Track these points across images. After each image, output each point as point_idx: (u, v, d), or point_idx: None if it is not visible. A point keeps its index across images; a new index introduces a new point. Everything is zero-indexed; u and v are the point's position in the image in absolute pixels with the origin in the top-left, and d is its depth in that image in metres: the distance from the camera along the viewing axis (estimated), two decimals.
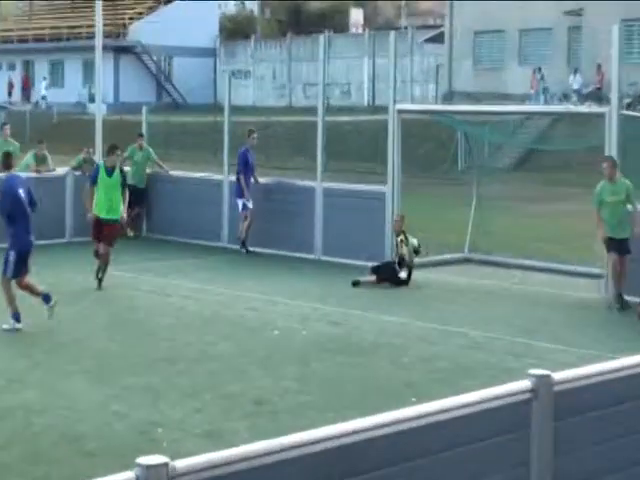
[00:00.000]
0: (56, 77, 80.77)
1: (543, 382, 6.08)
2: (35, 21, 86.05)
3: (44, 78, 78.69)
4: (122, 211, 19.16)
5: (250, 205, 22.62)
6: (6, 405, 11.82)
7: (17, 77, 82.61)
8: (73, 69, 78.24)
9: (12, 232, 15.50)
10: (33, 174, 24.09)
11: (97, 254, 18.87)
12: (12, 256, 15.40)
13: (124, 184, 19.41)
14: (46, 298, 15.66)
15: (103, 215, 18.79)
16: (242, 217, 22.66)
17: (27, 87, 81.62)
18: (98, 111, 29.13)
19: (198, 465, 5.04)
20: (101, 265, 18.72)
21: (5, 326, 15.37)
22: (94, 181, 19.04)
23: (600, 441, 6.58)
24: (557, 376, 6.20)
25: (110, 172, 18.97)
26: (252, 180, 22.97)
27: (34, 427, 11.06)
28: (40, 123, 60.07)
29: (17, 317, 15.34)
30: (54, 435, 10.76)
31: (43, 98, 75.00)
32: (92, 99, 58.54)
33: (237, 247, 22.84)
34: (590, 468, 6.54)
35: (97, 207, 18.87)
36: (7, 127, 27.68)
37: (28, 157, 25.56)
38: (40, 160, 25.37)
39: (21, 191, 15.57)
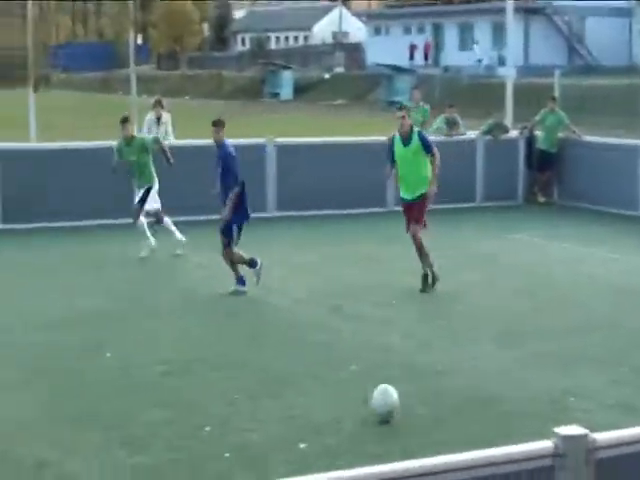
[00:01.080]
0: (465, 40, 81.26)
1: None
2: None
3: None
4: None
5: None
6: (418, 364, 12.22)
7: (421, 41, 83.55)
8: (482, 32, 78.33)
9: (239, 201, 15.57)
10: (443, 137, 24.54)
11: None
12: (235, 230, 15.58)
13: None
14: (253, 263, 15.73)
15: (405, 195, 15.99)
16: None
17: (428, 51, 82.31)
18: (509, 74, 29.26)
19: (620, 439, 5.05)
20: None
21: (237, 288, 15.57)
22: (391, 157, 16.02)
23: None
24: None
25: (406, 141, 15.69)
26: None
27: (441, 387, 11.31)
28: (450, 86, 60.59)
29: (243, 281, 15.56)
30: (460, 396, 10.94)
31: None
32: (502, 62, 58.50)
33: None
34: None
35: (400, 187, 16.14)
36: (417, 91, 28.31)
37: (439, 120, 25.93)
38: (451, 123, 25.69)
39: None
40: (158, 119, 22.96)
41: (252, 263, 15.67)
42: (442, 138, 24.90)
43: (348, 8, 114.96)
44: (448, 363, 12.21)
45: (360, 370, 11.89)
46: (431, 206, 16.04)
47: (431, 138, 23.66)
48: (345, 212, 22.59)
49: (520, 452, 4.77)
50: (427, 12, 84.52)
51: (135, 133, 19.18)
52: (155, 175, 18.68)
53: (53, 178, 21.30)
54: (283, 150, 23.17)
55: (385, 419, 9.91)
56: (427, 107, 27.06)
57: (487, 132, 25.74)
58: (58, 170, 21.44)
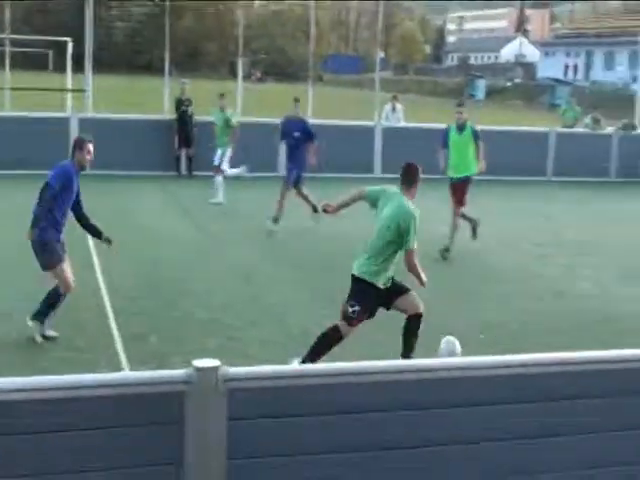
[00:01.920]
0: (609, 62, 78.14)
1: None
2: (597, 22, 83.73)
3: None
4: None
5: None
6: (564, 289, 11.86)
7: (574, 62, 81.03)
8: (621, 57, 75.16)
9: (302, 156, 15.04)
10: (590, 131, 23.93)
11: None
12: (295, 173, 14.96)
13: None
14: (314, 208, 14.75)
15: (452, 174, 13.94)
16: None
17: (576, 70, 79.31)
18: (639, 88, 28.06)
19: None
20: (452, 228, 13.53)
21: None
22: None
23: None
24: None
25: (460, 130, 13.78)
26: None
27: (579, 307, 10.97)
28: (595, 96, 58.54)
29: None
30: (597, 314, 10.57)
31: (620, 78, 71.62)
32: (634, 80, 55.98)
33: None
34: None
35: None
36: (573, 98, 27.57)
37: (587, 119, 25.26)
38: (595, 121, 24.91)
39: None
40: (393, 108, 23.18)
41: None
42: (589, 131, 24.22)
43: (526, 37, 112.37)
44: (589, 289, 11.90)
45: (520, 290, 11.72)
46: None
47: (579, 130, 23.13)
48: (515, 178, 22.06)
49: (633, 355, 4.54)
50: (582, 42, 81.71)
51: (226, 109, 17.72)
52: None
53: None
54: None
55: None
56: (579, 109, 26.29)
57: (621, 129, 24.83)
58: None
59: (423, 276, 7.78)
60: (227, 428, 3.67)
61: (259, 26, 79.23)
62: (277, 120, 16.71)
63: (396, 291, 7.76)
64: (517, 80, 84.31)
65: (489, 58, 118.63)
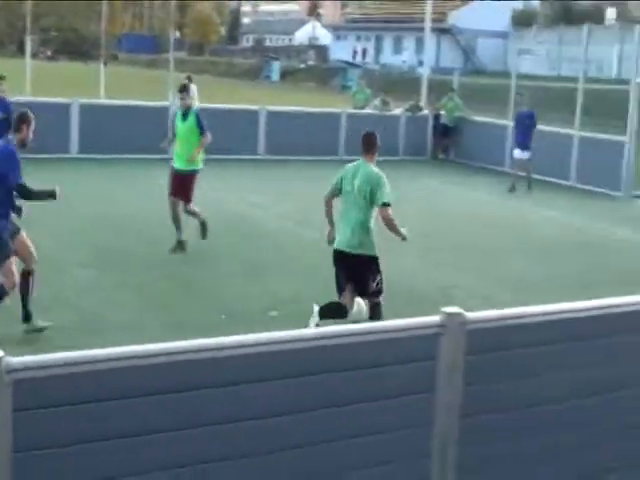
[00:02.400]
0: (397, 47, 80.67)
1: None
2: (385, 8, 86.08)
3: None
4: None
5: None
6: None
7: (364, 45, 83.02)
8: (409, 42, 77.82)
9: None
10: (379, 112, 24.61)
11: None
12: None
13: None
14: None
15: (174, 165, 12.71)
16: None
17: (365, 54, 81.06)
18: (424, 72, 29.12)
19: (484, 317, 5.03)
20: None
21: None
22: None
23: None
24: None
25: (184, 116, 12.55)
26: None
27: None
28: (384, 79, 60.23)
29: None
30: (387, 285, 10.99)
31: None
32: (420, 63, 58.09)
33: None
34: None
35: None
36: (362, 80, 28.40)
37: (376, 101, 25.95)
38: (384, 103, 25.67)
39: None
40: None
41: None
42: (378, 113, 24.86)
43: (319, 21, 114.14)
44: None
45: (311, 262, 11.94)
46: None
47: (368, 112, 23.72)
48: (309, 158, 22.39)
49: (411, 323, 4.73)
50: (372, 27, 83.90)
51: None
52: None
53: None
54: (271, 114, 23.04)
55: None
56: (369, 91, 26.97)
57: (408, 110, 25.71)
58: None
59: (403, 231, 8.48)
60: (12, 420, 3.54)
61: (48, 4, 76.22)
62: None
63: None
64: (310, 62, 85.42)
65: (284, 40, 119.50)
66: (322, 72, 74.13)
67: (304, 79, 72.23)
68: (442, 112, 25.28)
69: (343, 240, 8.50)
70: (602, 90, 33.71)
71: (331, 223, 8.86)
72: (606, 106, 27.95)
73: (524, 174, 19.88)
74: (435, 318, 4.74)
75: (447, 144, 25.26)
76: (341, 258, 8.54)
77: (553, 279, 12.07)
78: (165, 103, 22.21)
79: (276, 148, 22.22)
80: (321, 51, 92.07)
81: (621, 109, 20.75)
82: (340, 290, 8.58)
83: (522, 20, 77.80)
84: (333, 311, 8.43)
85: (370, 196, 8.40)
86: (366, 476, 4.56)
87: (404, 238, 8.57)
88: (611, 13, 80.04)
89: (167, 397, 3.90)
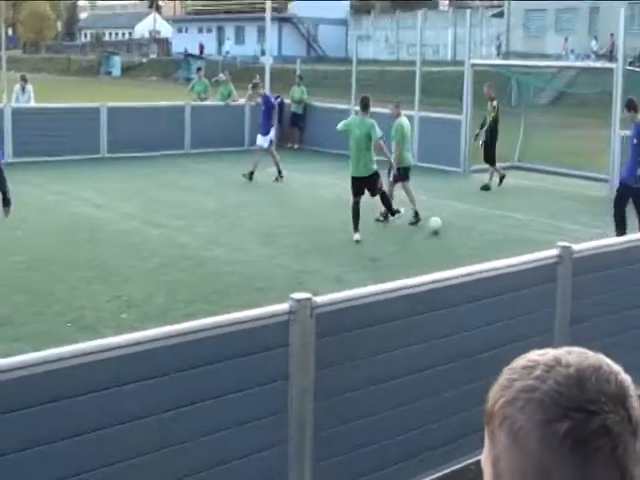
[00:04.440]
0: (240, 37, 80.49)
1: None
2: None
3: (228, 39, 78.54)
4: None
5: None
6: (203, 257, 12.11)
7: (209, 38, 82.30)
8: (251, 32, 77.77)
9: None
10: (224, 103, 24.49)
11: None
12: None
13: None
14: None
15: None
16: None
17: (202, 50, 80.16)
18: (267, 61, 29.10)
19: (331, 300, 5.12)
20: None
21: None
22: None
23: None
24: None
25: None
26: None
27: (222, 272, 11.29)
28: (228, 69, 59.96)
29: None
30: (234, 278, 10.96)
31: (227, 52, 74.38)
32: (263, 53, 58.14)
33: None
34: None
35: None
36: (201, 71, 28.05)
37: (221, 89, 25.74)
38: (229, 92, 25.47)
39: None
40: (23, 89, 22.22)
41: None
42: (223, 103, 24.68)
43: (160, 14, 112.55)
44: (225, 257, 12.20)
45: (164, 261, 11.76)
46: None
47: (211, 103, 23.47)
48: (155, 153, 21.99)
49: (261, 312, 4.74)
50: (213, 18, 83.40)
51: None
52: None
53: None
54: (112, 111, 22.49)
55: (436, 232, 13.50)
56: (206, 81, 26.77)
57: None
58: None
59: (386, 150, 13.86)
60: None
61: None
62: None
63: None
64: (153, 56, 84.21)
65: (124, 35, 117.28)
66: (165, 65, 73.24)
67: (147, 73, 71.16)
68: (289, 100, 25.29)
69: (356, 170, 13.36)
70: (439, 72, 34.95)
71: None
72: (443, 87, 28.76)
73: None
74: (284, 305, 4.73)
75: (296, 132, 25.26)
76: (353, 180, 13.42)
77: (402, 255, 12.30)
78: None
79: (119, 145, 21.68)
80: (163, 44, 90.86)
81: (457, 89, 21.35)
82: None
83: (361, 7, 79.16)
84: (355, 213, 13.15)
85: (368, 138, 13.11)
86: (225, 470, 4.51)
87: (391, 160, 14.22)
88: None
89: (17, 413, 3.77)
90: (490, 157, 18.88)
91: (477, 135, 19.37)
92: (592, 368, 1.18)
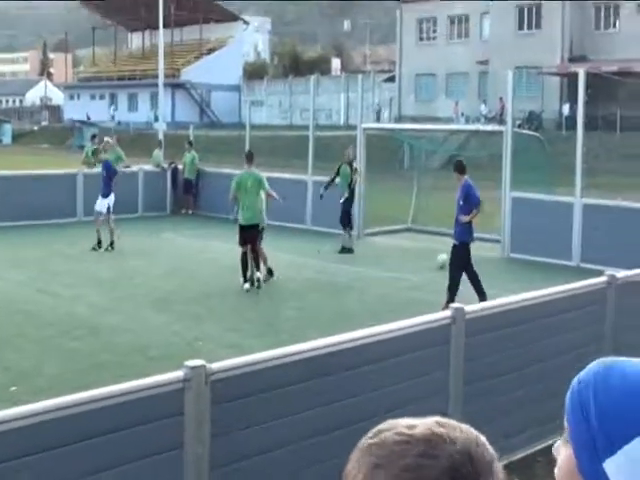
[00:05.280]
0: (133, 104, 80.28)
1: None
2: (118, 66, 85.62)
3: (114, 109, 78.03)
4: None
5: None
6: (97, 325, 11.90)
7: (101, 105, 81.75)
8: (144, 99, 77.71)
9: None
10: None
11: None
12: None
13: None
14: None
15: None
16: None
17: (89, 118, 79.39)
18: (160, 128, 29.12)
19: (227, 366, 5.09)
20: None
21: None
22: None
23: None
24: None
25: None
26: None
27: (117, 341, 11.11)
28: (121, 135, 59.67)
29: None
30: (129, 347, 10.80)
31: (118, 123, 73.73)
32: (156, 119, 58.10)
33: None
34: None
35: None
36: (96, 138, 27.71)
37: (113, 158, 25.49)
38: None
39: None
40: None
41: None
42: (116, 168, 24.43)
43: (51, 80, 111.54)
44: (119, 324, 11.99)
45: (58, 330, 11.50)
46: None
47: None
48: (47, 222, 21.57)
49: (155, 381, 4.69)
50: (106, 85, 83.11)
51: None
52: None
53: None
54: (3, 179, 22.12)
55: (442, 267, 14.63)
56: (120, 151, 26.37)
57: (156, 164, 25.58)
58: None
59: (274, 194, 14.85)
60: None
61: None
62: None
63: None
64: (44, 123, 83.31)
65: (14, 102, 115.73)
66: (57, 132, 72.42)
67: (39, 140, 70.18)
68: (181, 166, 25.28)
69: (245, 217, 14.33)
70: (332, 136, 35.40)
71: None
72: (336, 151, 29.22)
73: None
74: (179, 373, 4.69)
75: (189, 198, 25.21)
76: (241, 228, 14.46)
77: (299, 319, 12.32)
78: None
79: (10, 214, 21.25)
80: (55, 111, 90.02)
81: None
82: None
83: (253, 73, 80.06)
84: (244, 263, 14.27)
85: (259, 188, 14.32)
86: None
87: (279, 199, 15.14)
88: (336, 63, 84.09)
89: None
90: (345, 219, 18.77)
91: (327, 185, 19.17)
92: (473, 442, 1.18)
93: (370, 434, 1.21)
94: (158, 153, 26.16)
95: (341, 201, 18.75)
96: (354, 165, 19.08)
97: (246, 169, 14.73)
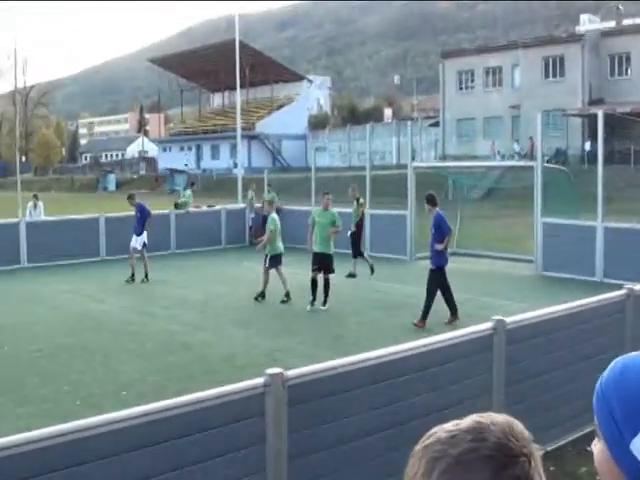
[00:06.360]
0: (215, 153, 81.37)
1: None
2: (203, 121, 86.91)
3: (187, 160, 78.53)
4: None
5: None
6: (189, 341, 12.05)
7: (187, 154, 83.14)
8: (224, 149, 78.75)
9: None
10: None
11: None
12: None
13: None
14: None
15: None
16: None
17: (186, 165, 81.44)
18: (239, 173, 29.43)
19: (301, 373, 5.13)
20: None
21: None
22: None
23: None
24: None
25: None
26: None
27: (206, 353, 11.22)
28: (206, 180, 60.52)
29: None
30: (217, 358, 10.90)
31: (185, 165, 74.31)
32: (235, 166, 58.75)
33: None
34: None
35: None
36: (195, 185, 28.04)
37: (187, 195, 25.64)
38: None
39: None
40: (35, 206, 22.47)
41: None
42: (202, 210, 24.75)
43: (147, 137, 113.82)
44: (210, 339, 12.14)
45: (156, 346, 11.68)
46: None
47: (193, 210, 23.44)
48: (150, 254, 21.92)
49: (240, 387, 4.73)
50: (192, 138, 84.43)
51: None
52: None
53: None
54: (109, 220, 22.60)
55: None
56: (189, 192, 26.77)
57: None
58: None
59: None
60: None
61: None
62: None
63: None
64: (142, 172, 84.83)
65: (117, 156, 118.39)
66: (153, 179, 73.65)
67: (138, 187, 71.54)
68: (260, 205, 25.45)
69: (318, 247, 14.12)
70: (385, 175, 35.53)
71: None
72: (390, 187, 29.16)
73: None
74: (260, 379, 4.75)
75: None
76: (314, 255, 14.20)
77: (363, 332, 12.28)
78: (14, 220, 21.43)
79: (116, 249, 21.75)
80: (150, 162, 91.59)
81: (402, 189, 21.65)
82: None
83: (317, 123, 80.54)
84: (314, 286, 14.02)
85: (330, 225, 14.23)
86: None
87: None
88: (388, 112, 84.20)
89: None
90: (356, 249, 18.27)
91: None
92: (512, 423, 1.21)
93: (421, 440, 1.22)
94: (268, 195, 26.07)
95: (348, 234, 18.16)
96: (360, 200, 18.82)
97: (321, 208, 14.76)
